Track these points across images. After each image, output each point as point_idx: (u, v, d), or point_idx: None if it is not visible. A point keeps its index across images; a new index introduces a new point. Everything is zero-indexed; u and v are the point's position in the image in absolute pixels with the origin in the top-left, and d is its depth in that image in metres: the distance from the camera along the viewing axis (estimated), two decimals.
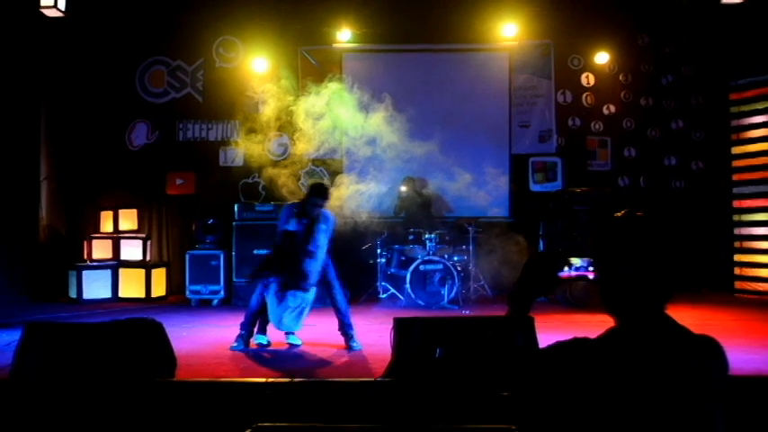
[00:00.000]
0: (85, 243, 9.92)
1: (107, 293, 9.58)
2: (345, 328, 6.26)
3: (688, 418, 1.71)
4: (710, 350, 1.80)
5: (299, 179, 9.89)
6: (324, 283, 6.36)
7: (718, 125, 10.27)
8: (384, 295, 9.14)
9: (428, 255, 8.66)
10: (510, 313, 2.01)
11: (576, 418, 1.77)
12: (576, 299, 8.18)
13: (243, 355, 5.89)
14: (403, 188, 9.73)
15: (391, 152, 8.84)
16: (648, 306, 1.84)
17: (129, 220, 10.20)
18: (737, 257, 10.01)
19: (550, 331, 6.33)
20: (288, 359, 5.80)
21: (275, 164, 9.36)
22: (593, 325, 7.43)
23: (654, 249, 1.85)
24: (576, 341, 1.87)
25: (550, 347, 1.89)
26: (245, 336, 6.22)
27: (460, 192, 9.72)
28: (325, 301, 6.75)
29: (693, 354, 1.77)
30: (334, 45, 10.40)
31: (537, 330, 4.57)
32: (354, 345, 6.16)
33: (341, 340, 6.28)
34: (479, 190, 9.53)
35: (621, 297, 1.87)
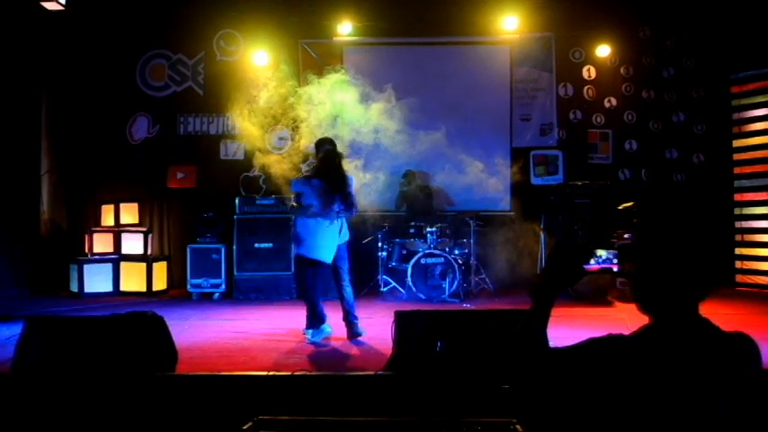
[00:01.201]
0: (86, 237, 9.93)
1: (108, 287, 9.59)
2: (350, 318, 6.32)
3: (721, 415, 1.70)
4: (744, 347, 1.80)
5: (299, 172, 9.89)
6: (334, 269, 6.42)
7: (719, 118, 10.24)
8: (385, 289, 9.15)
9: (429, 248, 8.66)
10: (534, 307, 1.99)
11: (608, 414, 1.76)
12: (578, 292, 8.18)
13: (244, 349, 5.90)
14: (404, 182, 9.74)
15: (392, 145, 8.83)
16: (684, 305, 1.84)
17: (130, 213, 10.20)
18: (738, 251, 9.99)
19: (551, 325, 6.33)
20: (288, 353, 5.81)
21: (276, 157, 9.36)
22: (594, 319, 7.42)
23: (691, 249, 1.87)
24: (611, 338, 1.85)
25: (584, 344, 1.87)
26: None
27: (461, 185, 9.73)
28: (328, 293, 6.82)
29: (728, 352, 1.77)
30: (335, 38, 10.38)
31: None
32: (358, 331, 6.27)
33: (342, 333, 6.31)
34: (481, 183, 9.53)
35: (658, 296, 1.86)
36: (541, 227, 9.51)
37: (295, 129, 9.62)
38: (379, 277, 9.20)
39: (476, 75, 10.51)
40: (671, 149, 10.41)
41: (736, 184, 10.12)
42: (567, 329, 6.29)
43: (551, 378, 1.88)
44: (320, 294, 6.44)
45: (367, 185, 8.13)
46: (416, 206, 9.60)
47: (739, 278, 9.88)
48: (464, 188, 9.78)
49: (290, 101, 9.05)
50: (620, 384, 1.75)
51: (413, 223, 9.05)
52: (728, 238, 9.99)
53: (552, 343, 2.05)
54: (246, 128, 9.68)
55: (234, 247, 9.26)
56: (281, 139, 10.31)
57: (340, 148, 9.41)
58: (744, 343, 1.81)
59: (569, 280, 1.99)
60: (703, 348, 1.75)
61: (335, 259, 6.36)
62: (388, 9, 10.25)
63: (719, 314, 7.40)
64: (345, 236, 6.50)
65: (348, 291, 6.38)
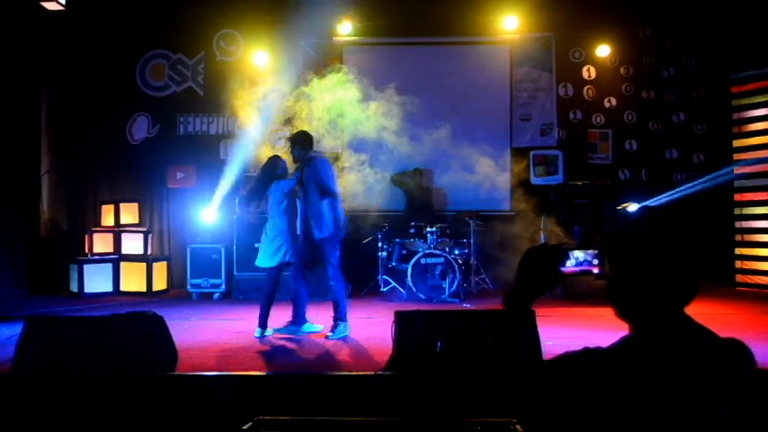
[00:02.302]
0: (87, 237, 9.92)
1: (108, 287, 9.59)
2: (334, 317, 6.46)
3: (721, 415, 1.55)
4: (737, 356, 1.64)
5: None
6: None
7: (719, 118, 10.24)
8: (385, 289, 9.15)
9: (429, 248, 8.66)
10: (507, 317, 1.82)
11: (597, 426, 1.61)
12: (577, 293, 8.18)
13: (244, 349, 5.90)
14: (410, 174, 9.79)
15: (392, 145, 8.84)
16: (667, 309, 1.66)
17: (130, 213, 10.19)
18: (738, 251, 10.00)
19: (551, 325, 6.34)
20: (289, 352, 5.81)
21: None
22: (594, 319, 7.39)
23: (674, 246, 1.68)
24: (587, 352, 1.68)
25: (559, 359, 1.70)
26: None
27: (461, 184, 9.73)
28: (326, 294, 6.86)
29: (719, 361, 1.59)
30: (335, 38, 10.38)
31: (538, 326, 4.57)
32: (330, 334, 6.33)
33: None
34: (481, 183, 9.53)
35: (637, 300, 1.68)
36: (542, 227, 9.52)
37: (294, 129, 9.63)
38: (379, 277, 9.19)
39: (476, 75, 10.50)
40: (671, 149, 10.41)
41: (736, 184, 10.11)
42: (567, 329, 6.29)
43: (528, 392, 1.73)
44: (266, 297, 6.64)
45: (367, 185, 8.14)
46: (416, 203, 9.64)
47: (739, 278, 9.88)
48: (464, 188, 9.78)
49: (289, 101, 9.05)
50: (600, 404, 1.59)
51: (413, 223, 9.05)
52: (728, 238, 10.00)
53: (553, 342, 2.00)
54: (246, 128, 9.68)
55: (234, 248, 9.25)
56: (280, 138, 10.29)
57: (339, 148, 9.47)
58: (736, 351, 1.64)
59: (545, 285, 1.81)
60: (690, 359, 1.58)
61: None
62: (388, 9, 10.24)
63: (719, 314, 7.41)
64: (319, 233, 6.47)
65: (332, 288, 6.45)
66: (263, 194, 6.62)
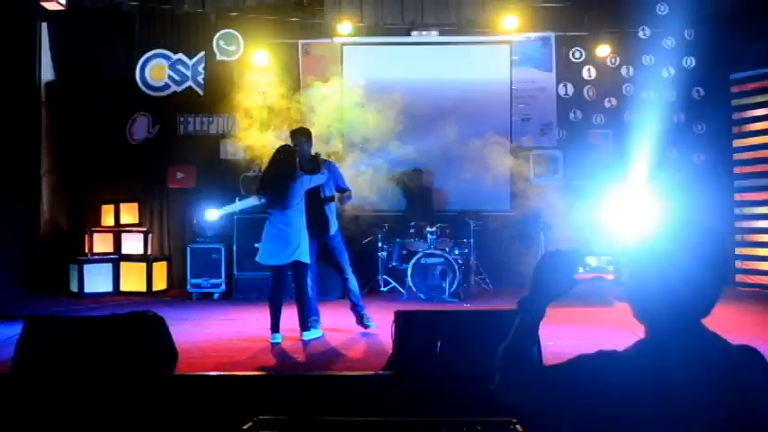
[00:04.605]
0: (86, 237, 9.92)
1: (108, 287, 9.59)
2: (357, 310, 6.69)
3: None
4: (751, 361, 1.64)
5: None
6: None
7: (719, 118, 10.23)
8: (385, 289, 9.16)
9: (429, 248, 8.66)
10: (521, 321, 1.85)
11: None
12: (577, 293, 8.17)
13: (244, 349, 5.90)
14: (410, 174, 9.79)
15: (390, 145, 8.85)
16: (686, 316, 1.66)
17: (130, 213, 10.20)
18: (739, 251, 9.98)
19: (551, 325, 6.34)
20: (289, 352, 5.81)
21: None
22: (593, 319, 7.36)
23: (695, 251, 1.66)
24: (601, 355, 1.68)
25: (573, 362, 1.71)
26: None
27: (461, 185, 9.73)
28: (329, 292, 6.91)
29: (733, 367, 1.60)
30: (335, 38, 10.37)
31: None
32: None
33: (341, 333, 6.35)
34: (480, 183, 9.53)
35: (657, 306, 1.67)
36: (542, 227, 9.51)
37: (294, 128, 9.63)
38: (379, 277, 9.20)
39: (476, 75, 10.49)
40: (671, 150, 10.39)
41: (736, 184, 10.11)
42: (567, 329, 6.29)
43: (541, 397, 1.73)
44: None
45: (367, 185, 8.15)
46: (416, 203, 9.65)
47: (739, 278, 9.87)
48: (464, 188, 9.78)
49: (289, 100, 9.05)
50: (614, 407, 1.58)
51: (413, 223, 9.07)
52: (728, 238, 9.98)
53: (553, 342, 2.00)
54: (246, 127, 9.68)
55: (234, 247, 9.25)
56: (280, 138, 10.28)
57: (339, 148, 9.48)
58: (750, 357, 1.65)
59: (559, 290, 1.84)
60: (704, 365, 1.58)
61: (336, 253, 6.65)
62: (388, 9, 10.24)
63: (719, 314, 7.38)
64: (332, 230, 6.69)
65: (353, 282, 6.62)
66: (290, 190, 6.26)
